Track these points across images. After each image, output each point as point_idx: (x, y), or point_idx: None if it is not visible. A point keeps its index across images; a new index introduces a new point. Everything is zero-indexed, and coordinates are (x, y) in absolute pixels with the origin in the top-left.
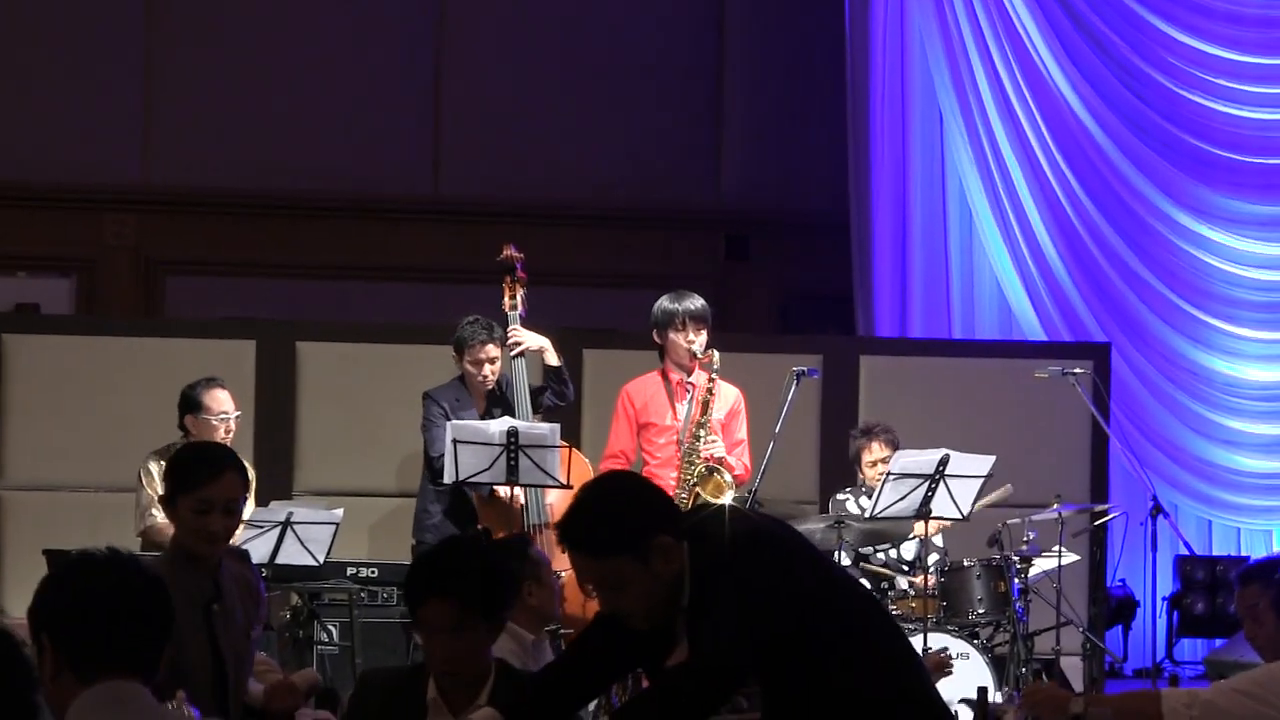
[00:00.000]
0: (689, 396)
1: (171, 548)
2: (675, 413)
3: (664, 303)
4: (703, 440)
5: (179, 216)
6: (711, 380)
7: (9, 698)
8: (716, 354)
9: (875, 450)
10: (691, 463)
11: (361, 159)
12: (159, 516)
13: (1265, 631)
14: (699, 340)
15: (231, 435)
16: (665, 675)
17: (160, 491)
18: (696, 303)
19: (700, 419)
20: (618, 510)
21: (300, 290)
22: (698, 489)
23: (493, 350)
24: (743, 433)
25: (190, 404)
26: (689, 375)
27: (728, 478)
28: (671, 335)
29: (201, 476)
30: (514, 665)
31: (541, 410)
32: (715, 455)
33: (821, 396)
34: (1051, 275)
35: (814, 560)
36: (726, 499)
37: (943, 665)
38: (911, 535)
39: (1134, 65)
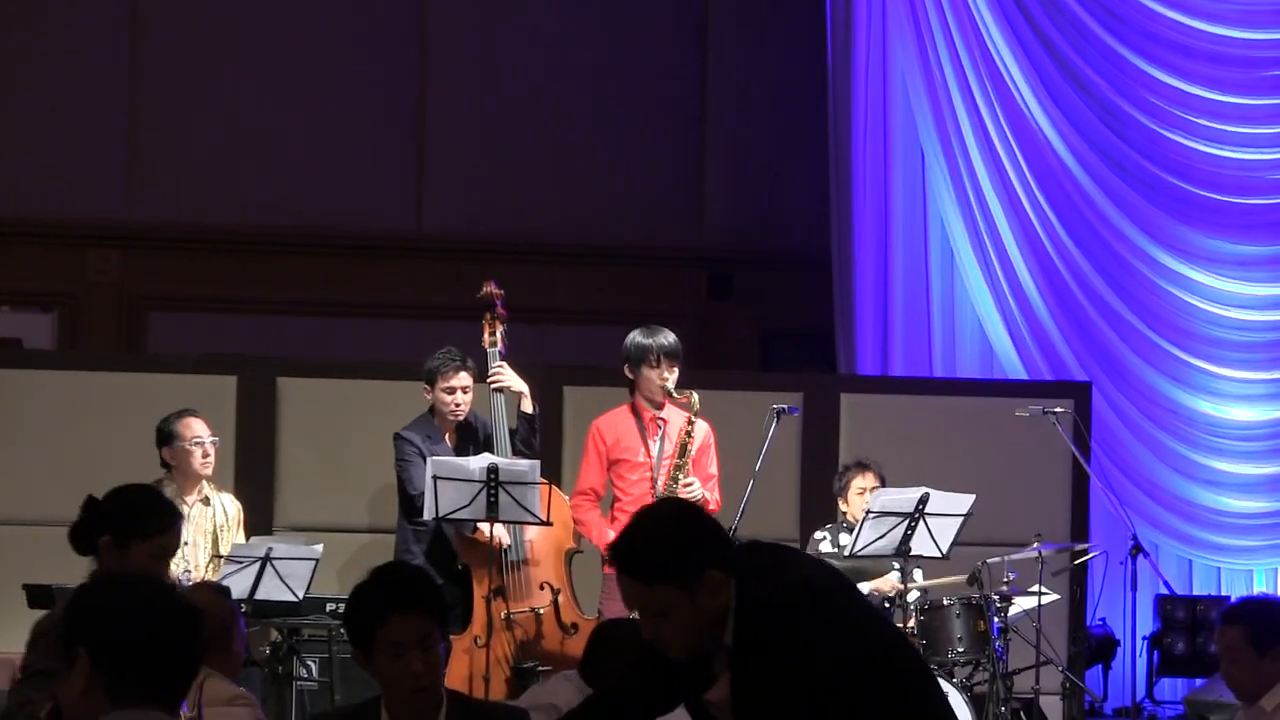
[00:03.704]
0: (660, 433)
1: None
2: (649, 450)
3: (637, 337)
4: (680, 483)
5: (162, 252)
6: (691, 422)
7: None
8: (696, 395)
9: (867, 479)
10: None
11: (344, 195)
12: None
13: (1241, 670)
14: (672, 377)
15: (212, 459)
16: None
17: None
18: (670, 338)
19: (679, 460)
20: (672, 539)
21: (282, 326)
22: None
23: (465, 378)
24: (714, 467)
25: (164, 436)
26: (660, 410)
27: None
28: (645, 371)
29: (160, 523)
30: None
31: (518, 450)
32: (697, 497)
33: (802, 434)
34: (1033, 314)
35: (864, 613)
36: None
37: None
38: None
39: (1116, 105)
